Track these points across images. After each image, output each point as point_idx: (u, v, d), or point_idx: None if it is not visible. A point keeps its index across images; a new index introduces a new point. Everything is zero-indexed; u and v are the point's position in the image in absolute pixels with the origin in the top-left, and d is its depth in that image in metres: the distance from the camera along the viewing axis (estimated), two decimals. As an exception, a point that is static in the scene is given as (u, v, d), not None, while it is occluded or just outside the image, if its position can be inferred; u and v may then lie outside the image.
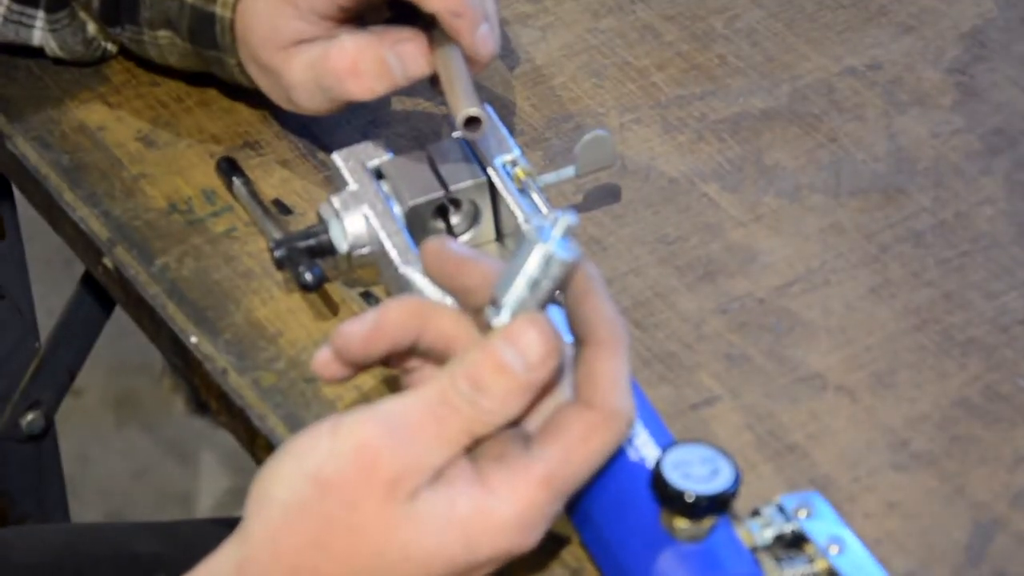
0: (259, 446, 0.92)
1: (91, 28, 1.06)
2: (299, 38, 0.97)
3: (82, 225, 1.01)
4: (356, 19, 0.98)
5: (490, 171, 0.95)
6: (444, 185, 0.95)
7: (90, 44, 1.06)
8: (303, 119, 1.04)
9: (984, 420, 0.90)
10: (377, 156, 0.96)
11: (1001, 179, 1.01)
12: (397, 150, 0.97)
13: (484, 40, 0.95)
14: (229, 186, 1.01)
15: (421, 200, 0.95)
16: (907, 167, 1.02)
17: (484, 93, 1.05)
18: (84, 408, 2.10)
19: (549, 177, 0.97)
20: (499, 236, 0.97)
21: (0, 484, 1.47)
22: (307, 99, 0.99)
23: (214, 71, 1.03)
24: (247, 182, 1.01)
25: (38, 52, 1.08)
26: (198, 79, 1.07)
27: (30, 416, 1.42)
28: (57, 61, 1.08)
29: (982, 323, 0.94)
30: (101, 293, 1.36)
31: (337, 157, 0.96)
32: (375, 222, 0.93)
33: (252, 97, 1.06)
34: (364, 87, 0.97)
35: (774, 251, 0.98)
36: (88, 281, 1.36)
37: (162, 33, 1.02)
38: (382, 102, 1.06)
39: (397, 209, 0.94)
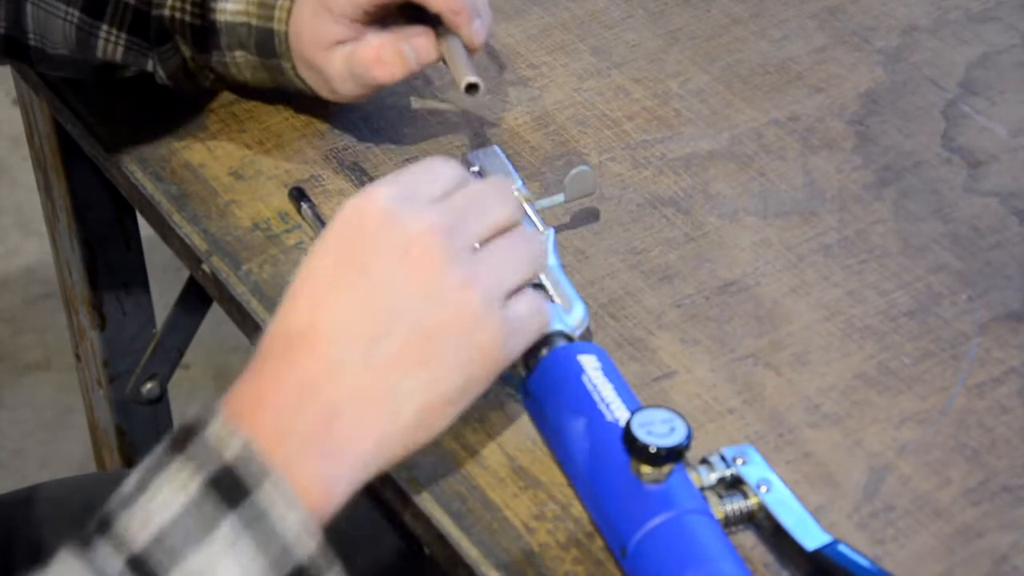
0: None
1: (189, 62, 1.04)
2: (336, 39, 0.98)
3: (186, 240, 1.00)
4: (378, 22, 0.99)
5: None
6: None
7: (188, 75, 1.05)
8: (355, 159, 1.03)
9: (877, 389, 0.89)
10: None
11: (890, 204, 1.01)
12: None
13: (478, 32, 0.97)
14: (299, 209, 1.00)
15: None
16: (818, 195, 1.01)
17: (495, 139, 1.05)
18: (191, 379, 2.10)
19: (544, 202, 0.96)
20: None
21: (129, 437, 1.47)
22: (344, 87, 0.99)
23: (276, 79, 1.03)
24: (312, 206, 1.00)
25: (155, 85, 1.06)
26: (274, 128, 1.06)
27: (149, 385, 1.42)
28: (165, 89, 1.07)
29: (876, 315, 0.94)
30: (201, 292, 1.36)
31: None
32: None
33: (315, 140, 1.05)
34: (387, 72, 0.98)
35: (717, 260, 0.97)
36: (192, 283, 1.36)
37: (238, 53, 1.02)
38: (415, 147, 1.04)
39: None
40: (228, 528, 0.70)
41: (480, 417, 0.88)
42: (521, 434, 0.87)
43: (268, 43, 1.00)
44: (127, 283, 1.37)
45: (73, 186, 1.30)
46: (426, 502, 0.84)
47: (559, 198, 0.96)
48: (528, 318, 0.81)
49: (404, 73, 0.98)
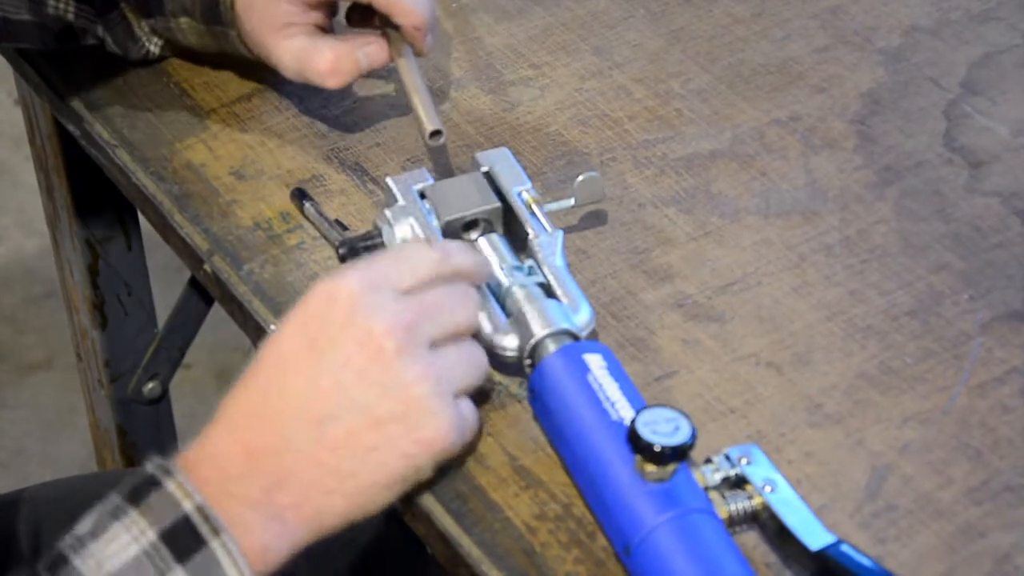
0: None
1: (136, 28, 1.06)
2: (287, 20, 0.99)
3: (188, 239, 1.00)
4: (326, 10, 1.01)
5: (508, 197, 0.95)
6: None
7: (137, 42, 1.07)
8: (357, 159, 1.03)
9: (879, 388, 0.89)
10: (421, 181, 0.96)
11: (892, 204, 1.00)
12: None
13: (429, 44, 1.00)
14: (301, 209, 1.00)
15: (454, 217, 0.94)
16: (820, 195, 1.01)
17: (496, 138, 1.05)
18: (192, 379, 2.10)
19: (552, 206, 0.96)
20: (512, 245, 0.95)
21: (131, 437, 1.47)
22: (288, 75, 1.02)
23: (222, 45, 1.04)
24: (316, 204, 1.00)
25: (155, 85, 1.07)
26: (275, 128, 1.06)
27: (150, 384, 1.42)
28: (166, 89, 1.08)
29: (878, 314, 0.93)
30: (203, 291, 1.36)
31: (391, 180, 0.96)
32: (419, 230, 0.92)
33: (317, 140, 1.05)
34: (340, 81, 1.00)
35: (719, 259, 0.97)
36: (193, 282, 1.36)
37: (182, 19, 1.03)
38: (417, 147, 1.04)
39: (435, 222, 0.93)
40: None
41: (481, 417, 0.88)
42: (523, 434, 0.87)
43: (214, 10, 1.01)
44: (128, 283, 1.37)
45: (74, 186, 1.30)
46: (428, 502, 0.84)
47: (568, 202, 0.96)
48: (473, 419, 0.84)
49: (355, 79, 1.02)
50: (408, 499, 0.84)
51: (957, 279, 0.95)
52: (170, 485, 0.76)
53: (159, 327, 1.40)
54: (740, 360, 0.91)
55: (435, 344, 0.82)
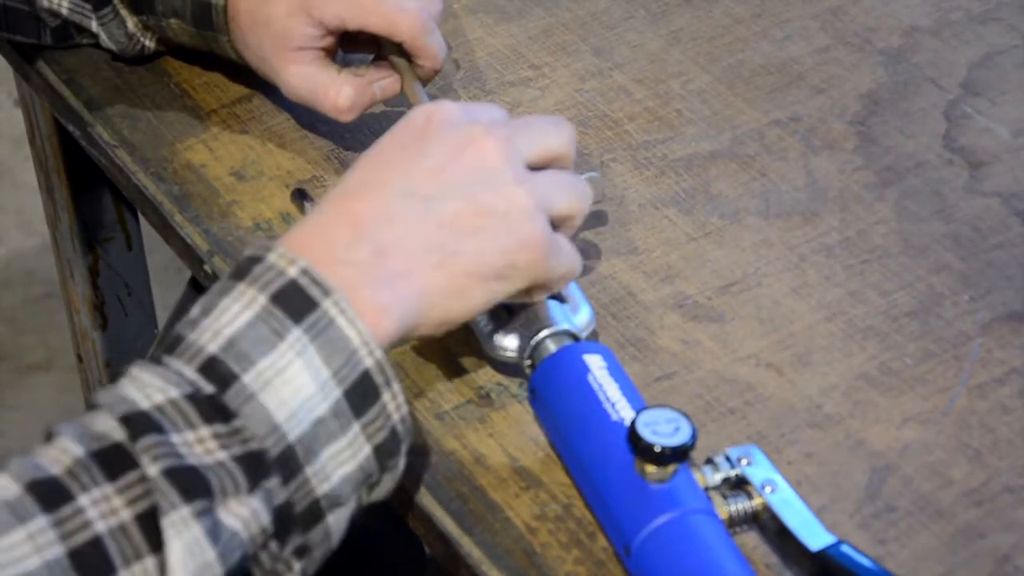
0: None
1: (130, 24, 1.06)
2: (303, 44, 0.98)
3: (188, 240, 1.00)
4: (343, 33, 1.00)
5: None
6: None
7: (131, 39, 1.07)
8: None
9: (879, 389, 0.89)
10: None
11: (891, 204, 1.00)
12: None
13: (432, 76, 1.00)
14: (301, 210, 1.00)
15: None
16: (820, 195, 1.01)
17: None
18: (192, 379, 2.09)
19: None
20: None
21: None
22: (292, 98, 1.01)
23: (212, 47, 1.04)
24: (315, 205, 0.99)
25: (156, 85, 1.07)
26: (275, 129, 1.06)
27: (150, 385, 1.41)
28: (166, 89, 1.09)
29: (878, 315, 0.93)
30: (203, 292, 1.35)
31: None
32: None
33: (317, 141, 1.05)
34: (352, 117, 1.00)
35: (718, 260, 0.97)
36: (194, 283, 1.35)
37: (172, 20, 1.03)
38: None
39: None
40: (295, 338, 0.74)
41: (482, 417, 0.88)
42: (523, 434, 0.87)
43: (205, 15, 1.01)
44: (129, 283, 1.37)
45: (75, 187, 1.30)
46: (428, 502, 0.84)
47: None
48: (569, 251, 0.85)
49: (365, 111, 1.01)
50: (408, 499, 0.85)
51: (957, 280, 0.95)
52: (271, 257, 0.75)
53: (159, 328, 1.40)
54: (740, 361, 0.91)
55: (531, 166, 0.83)
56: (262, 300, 0.74)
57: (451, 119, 0.82)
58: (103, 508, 0.68)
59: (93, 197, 1.31)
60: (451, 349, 0.91)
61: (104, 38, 1.07)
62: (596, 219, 0.99)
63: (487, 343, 0.87)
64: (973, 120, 1.06)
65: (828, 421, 0.87)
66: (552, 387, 0.84)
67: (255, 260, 0.76)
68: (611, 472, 0.79)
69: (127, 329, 1.39)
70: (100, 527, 0.68)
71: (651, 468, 0.77)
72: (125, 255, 1.35)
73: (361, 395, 0.75)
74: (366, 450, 0.75)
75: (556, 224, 0.85)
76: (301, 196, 1.00)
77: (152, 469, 0.69)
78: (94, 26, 1.06)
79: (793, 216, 1.00)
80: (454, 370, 0.90)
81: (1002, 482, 0.84)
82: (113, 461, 0.69)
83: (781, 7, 1.15)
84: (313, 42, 0.98)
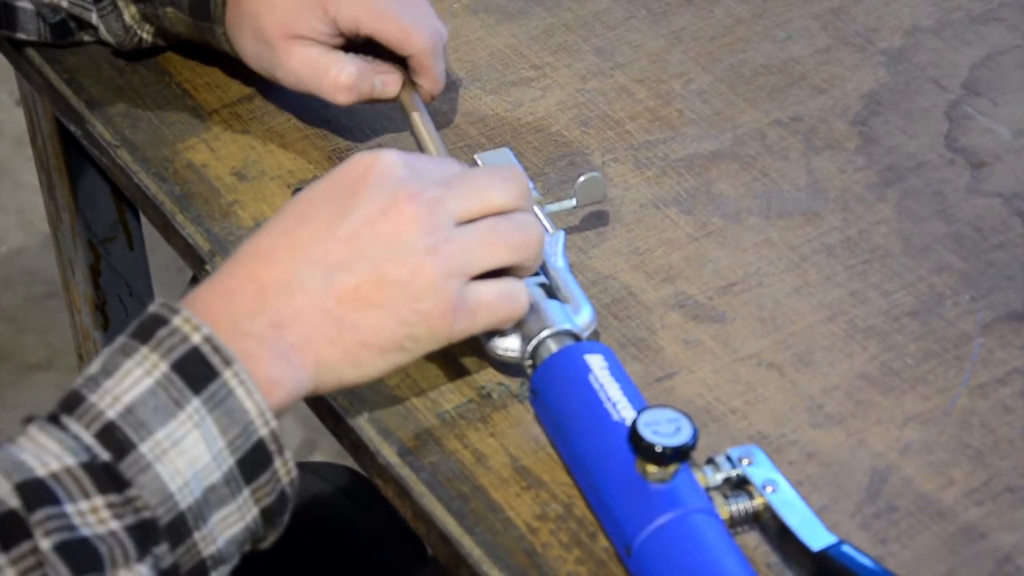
0: (324, 410, 0.90)
1: (127, 15, 1.06)
2: (308, 35, 0.98)
3: (189, 240, 1.00)
4: (352, 42, 1.00)
5: None
6: None
7: (128, 31, 1.07)
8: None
9: (880, 389, 0.89)
10: None
11: (893, 204, 1.00)
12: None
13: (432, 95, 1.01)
14: (302, 209, 1.00)
15: None
16: (821, 195, 1.01)
17: (497, 140, 1.05)
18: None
19: (553, 206, 0.96)
20: None
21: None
22: (286, 82, 1.00)
23: (206, 38, 1.04)
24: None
25: (156, 84, 1.08)
26: (277, 129, 1.06)
27: (151, 385, 1.41)
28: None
29: (879, 315, 0.93)
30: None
31: None
32: None
33: (319, 141, 1.05)
34: (352, 98, 0.99)
35: (720, 260, 0.97)
36: (195, 282, 1.35)
37: (169, 9, 1.03)
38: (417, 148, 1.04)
39: None
40: (193, 409, 0.74)
41: (483, 417, 0.88)
42: (524, 434, 0.87)
43: (203, 6, 1.01)
44: (130, 283, 1.37)
45: (76, 186, 1.30)
46: (429, 502, 0.84)
47: (569, 203, 0.96)
48: (492, 302, 0.83)
49: (360, 102, 1.00)
50: (409, 499, 0.85)
51: (958, 280, 0.95)
52: (176, 320, 0.75)
53: (160, 327, 1.40)
54: (741, 361, 0.91)
55: (462, 222, 0.82)
56: (163, 367, 0.74)
57: (387, 175, 0.81)
58: None
59: (94, 197, 1.31)
60: (452, 349, 0.91)
61: (103, 31, 1.07)
62: (597, 219, 0.99)
63: (488, 343, 0.87)
64: (974, 120, 1.06)
65: (829, 421, 0.87)
66: (553, 387, 0.84)
67: (160, 321, 0.75)
68: (612, 472, 0.79)
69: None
70: None
71: (652, 468, 0.77)
72: (126, 255, 1.35)
73: (253, 463, 0.75)
74: (254, 512, 0.76)
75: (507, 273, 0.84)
76: (302, 196, 1.00)
77: (45, 543, 0.69)
78: (94, 18, 1.06)
79: (794, 216, 1.00)
80: (455, 370, 0.90)
81: (1003, 482, 0.84)
82: (7, 530, 0.69)
83: (782, 7, 1.15)
84: (318, 36, 0.98)
